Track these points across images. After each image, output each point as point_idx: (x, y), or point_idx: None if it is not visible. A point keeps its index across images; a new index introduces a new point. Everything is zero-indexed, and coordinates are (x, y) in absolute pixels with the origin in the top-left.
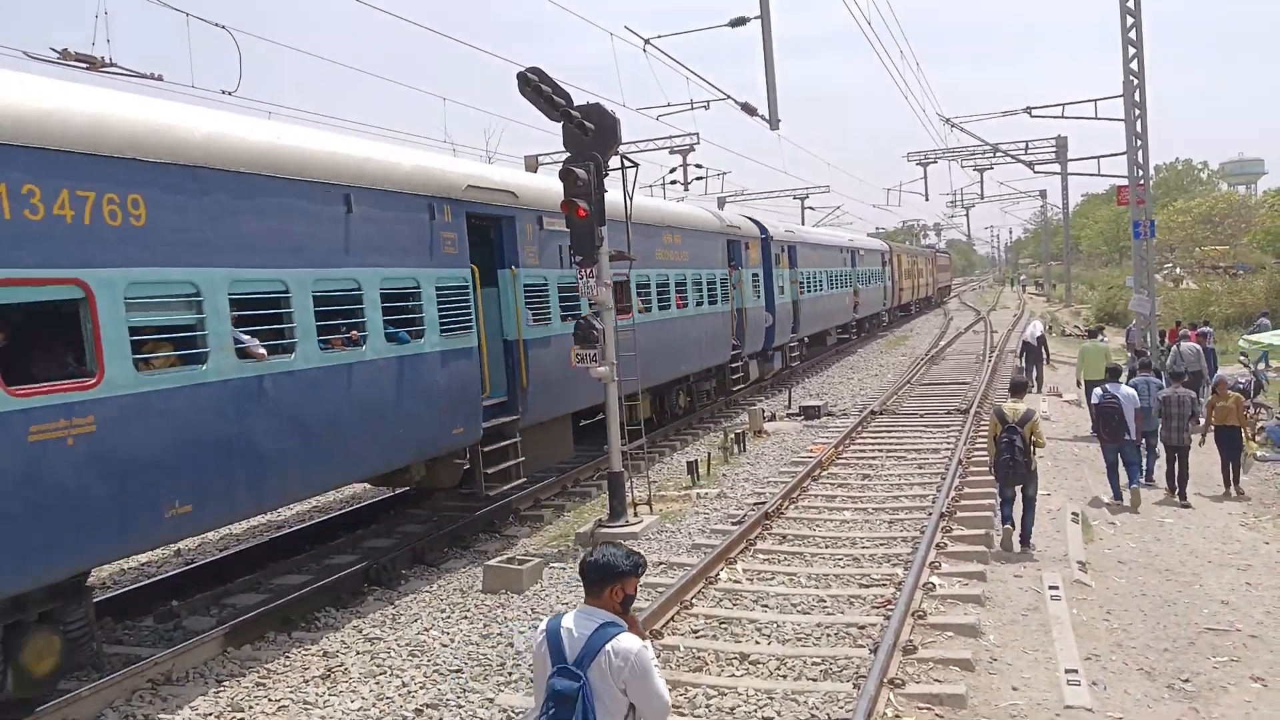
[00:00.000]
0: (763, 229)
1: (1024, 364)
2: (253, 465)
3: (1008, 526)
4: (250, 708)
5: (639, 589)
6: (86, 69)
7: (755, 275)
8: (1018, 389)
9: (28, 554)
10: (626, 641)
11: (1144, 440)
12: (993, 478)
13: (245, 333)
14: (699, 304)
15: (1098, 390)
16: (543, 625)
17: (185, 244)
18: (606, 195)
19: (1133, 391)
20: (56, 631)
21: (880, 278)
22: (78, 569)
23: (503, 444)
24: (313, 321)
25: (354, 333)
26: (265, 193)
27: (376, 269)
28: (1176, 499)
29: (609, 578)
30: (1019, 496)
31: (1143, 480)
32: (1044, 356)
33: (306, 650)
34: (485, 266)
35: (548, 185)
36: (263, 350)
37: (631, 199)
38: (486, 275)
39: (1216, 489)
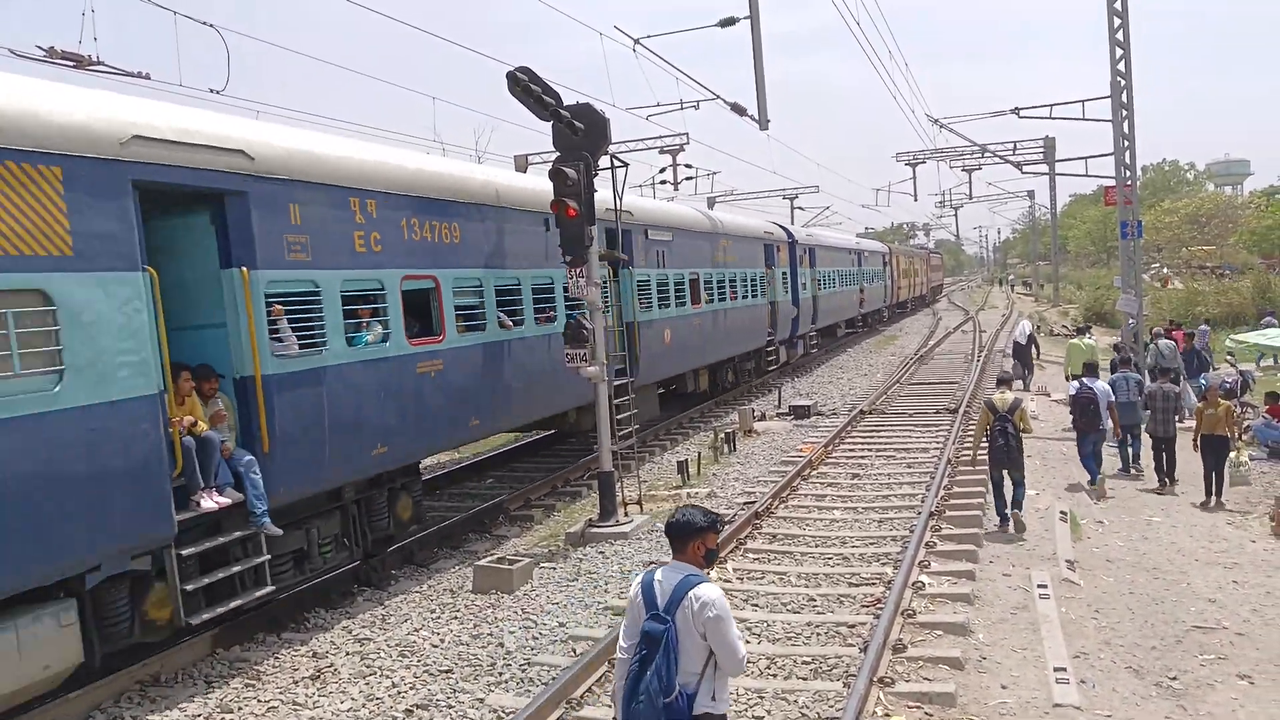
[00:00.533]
0: (789, 234)
1: (1017, 362)
2: (507, 395)
3: (1015, 511)
4: (239, 709)
5: (719, 543)
6: (73, 67)
7: (784, 274)
8: (1005, 382)
9: (414, 441)
10: (707, 589)
11: (1128, 433)
12: (970, 466)
13: (501, 312)
14: (744, 298)
15: (1074, 384)
16: (638, 579)
17: (478, 254)
18: (634, 200)
19: (1107, 386)
20: (411, 494)
21: (882, 277)
22: (429, 453)
23: (623, 399)
24: (531, 304)
25: (550, 312)
26: (512, 220)
27: (662, 271)
28: (1167, 484)
29: (689, 534)
30: (1006, 480)
31: (1127, 469)
32: (1034, 355)
33: (296, 651)
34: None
35: (655, 207)
36: (510, 322)
37: (621, 198)
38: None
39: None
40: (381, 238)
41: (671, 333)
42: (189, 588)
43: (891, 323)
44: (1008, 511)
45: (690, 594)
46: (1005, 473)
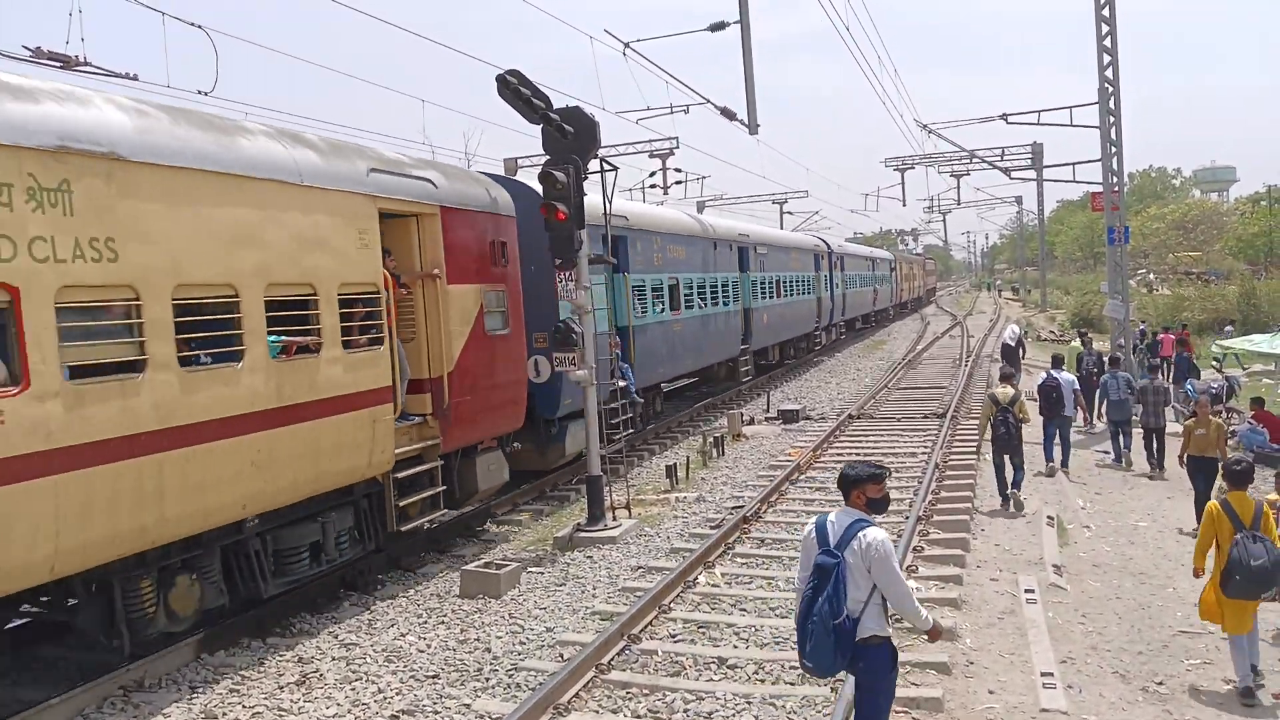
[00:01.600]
0: (828, 245)
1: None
2: (701, 346)
3: (1014, 491)
4: (224, 714)
5: (886, 493)
6: (60, 68)
7: (825, 276)
8: (1007, 378)
9: (671, 367)
10: (873, 532)
11: (1119, 427)
12: (975, 452)
13: (698, 297)
14: (801, 295)
15: (1043, 373)
16: (812, 521)
17: (690, 266)
18: (751, 226)
19: (1072, 377)
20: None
21: (889, 280)
22: (672, 375)
23: (745, 359)
24: (709, 293)
25: (723, 298)
26: (700, 244)
27: (727, 273)
28: (1157, 471)
29: (851, 484)
30: (1008, 464)
31: (1119, 459)
32: (1020, 357)
33: (281, 656)
34: (743, 265)
35: (764, 231)
36: (704, 304)
37: (611, 202)
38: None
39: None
40: (662, 257)
41: (767, 316)
42: (614, 421)
43: (880, 327)
44: (1009, 492)
45: (859, 534)
46: (1006, 458)
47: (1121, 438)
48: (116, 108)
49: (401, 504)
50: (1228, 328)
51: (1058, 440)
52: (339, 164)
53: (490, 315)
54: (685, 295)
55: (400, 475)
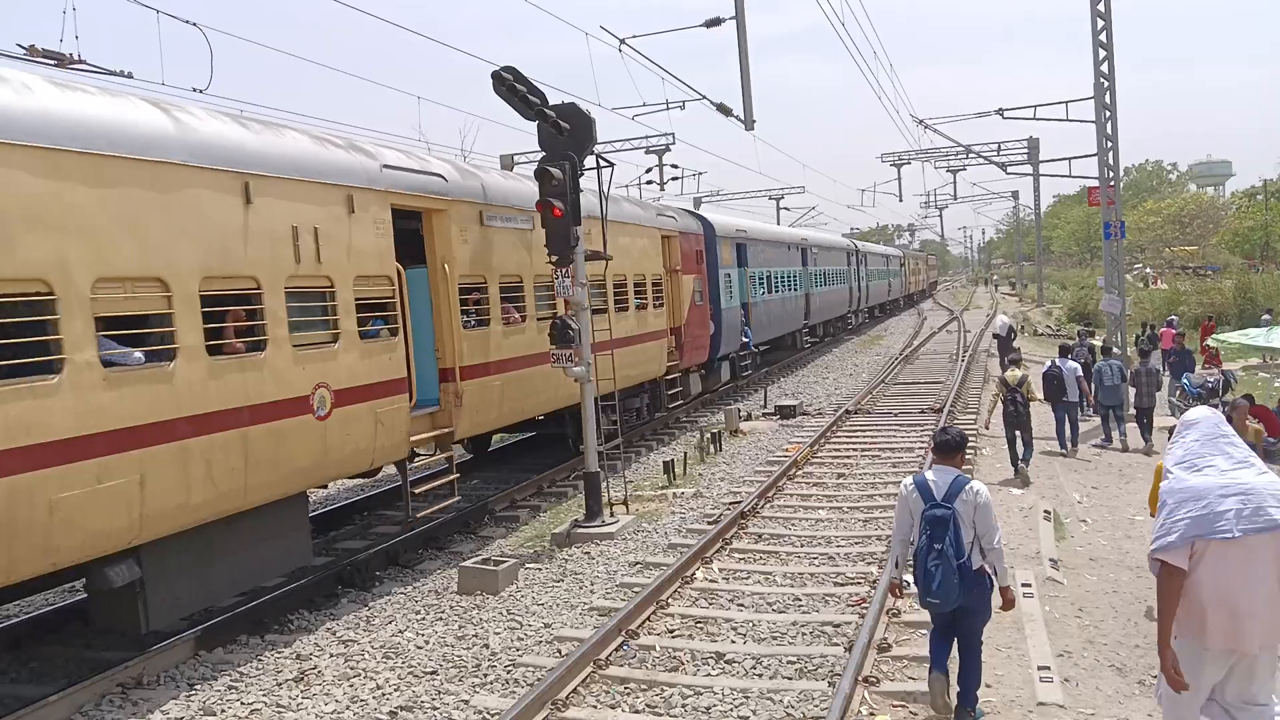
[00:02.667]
0: (855, 245)
1: (999, 353)
2: (781, 322)
3: (1023, 465)
4: (222, 710)
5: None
6: (55, 66)
7: (854, 271)
8: (1015, 362)
9: (763, 335)
10: (978, 484)
11: (1110, 410)
12: (984, 429)
13: (783, 285)
14: (839, 284)
15: (1048, 361)
16: (909, 480)
17: (777, 263)
18: (811, 233)
19: (1075, 365)
20: (742, 362)
21: (899, 274)
22: (765, 338)
23: (806, 331)
24: (788, 282)
25: (793, 287)
26: (785, 247)
27: (795, 267)
28: (1151, 445)
29: (955, 448)
30: (1018, 440)
31: (1109, 440)
32: (1013, 345)
33: (279, 653)
34: (804, 262)
35: (817, 235)
36: (785, 289)
37: (607, 198)
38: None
39: None
40: (762, 257)
41: (819, 301)
42: (744, 364)
43: (878, 322)
44: (1019, 465)
45: (966, 487)
46: (1017, 433)
47: (1113, 420)
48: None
49: (670, 393)
50: (1265, 315)
51: (1068, 424)
52: (650, 213)
53: (696, 294)
54: (775, 283)
55: (668, 378)
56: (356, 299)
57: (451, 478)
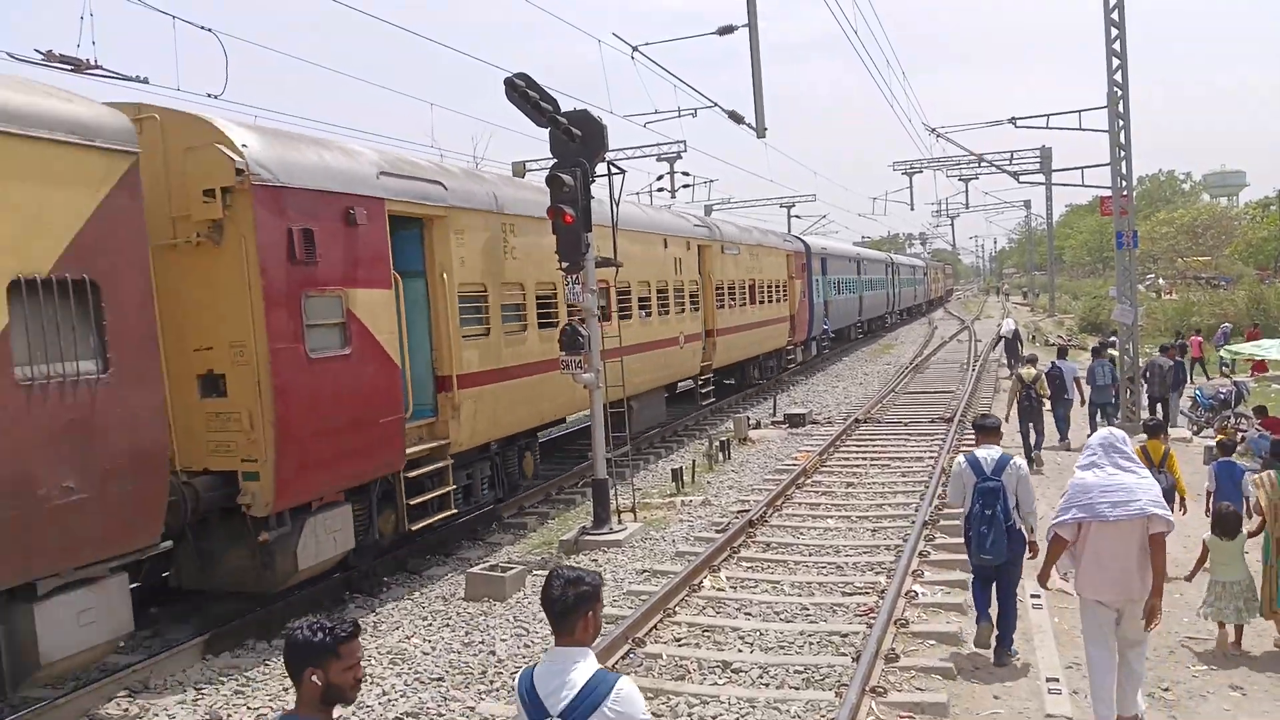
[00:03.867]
0: (890, 257)
1: (1005, 354)
2: (845, 317)
3: (1037, 452)
4: (229, 715)
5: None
6: (71, 71)
7: (890, 279)
8: (1030, 361)
9: (838, 325)
10: (1019, 459)
11: (1100, 409)
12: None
13: (846, 289)
14: (880, 289)
15: (1049, 362)
16: (962, 458)
17: (841, 271)
18: (837, 242)
19: (1075, 365)
20: (818, 347)
21: (923, 281)
22: (840, 325)
23: (859, 326)
24: (848, 286)
25: (870, 289)
26: (845, 259)
27: (850, 275)
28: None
29: (994, 431)
30: (1031, 432)
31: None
32: (1020, 347)
33: None
34: (858, 272)
35: (864, 252)
36: (847, 292)
37: (618, 205)
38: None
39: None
40: (831, 266)
41: (867, 302)
42: (824, 345)
43: (889, 331)
44: (1032, 454)
45: (1011, 462)
46: (1030, 425)
47: (1102, 418)
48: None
49: (787, 358)
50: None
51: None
52: (779, 239)
53: (802, 293)
54: (842, 288)
55: (787, 348)
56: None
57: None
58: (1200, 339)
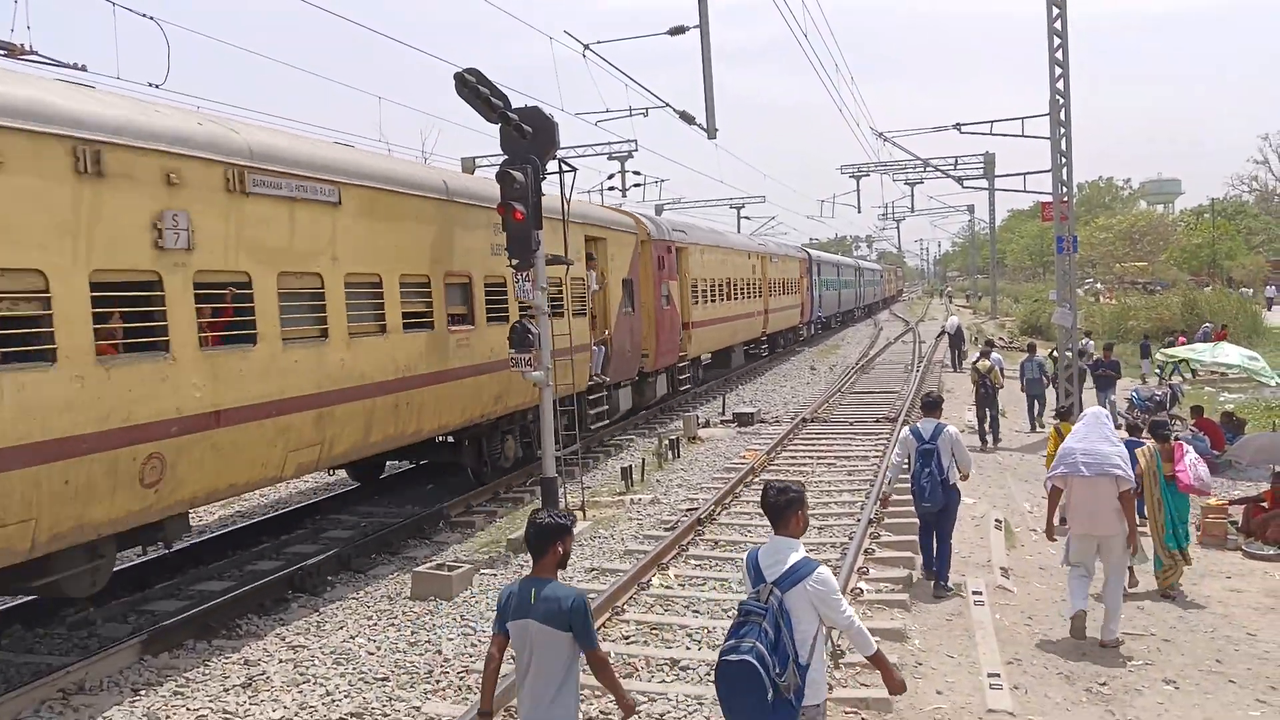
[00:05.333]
0: (859, 263)
1: (950, 347)
2: (827, 309)
3: (990, 433)
4: (168, 717)
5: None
6: (4, 56)
7: (858, 280)
8: (985, 354)
9: (826, 311)
10: (951, 428)
11: (1034, 399)
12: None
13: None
14: (849, 288)
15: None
16: (907, 429)
17: (832, 274)
18: (829, 254)
19: (1040, 359)
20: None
21: (879, 283)
22: (829, 315)
23: (853, 312)
24: (828, 285)
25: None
26: (835, 265)
27: (840, 277)
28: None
29: (936, 405)
30: (988, 416)
31: (1033, 427)
32: (963, 341)
33: (227, 658)
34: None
35: (862, 263)
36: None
37: (569, 201)
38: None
39: None
40: (823, 270)
41: (843, 296)
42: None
43: (834, 332)
44: (987, 438)
45: (945, 430)
46: (986, 410)
47: (1037, 407)
48: None
49: (800, 337)
50: (1206, 326)
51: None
52: (796, 250)
53: (807, 288)
54: (826, 285)
55: (798, 328)
56: None
57: None
58: (1185, 339)
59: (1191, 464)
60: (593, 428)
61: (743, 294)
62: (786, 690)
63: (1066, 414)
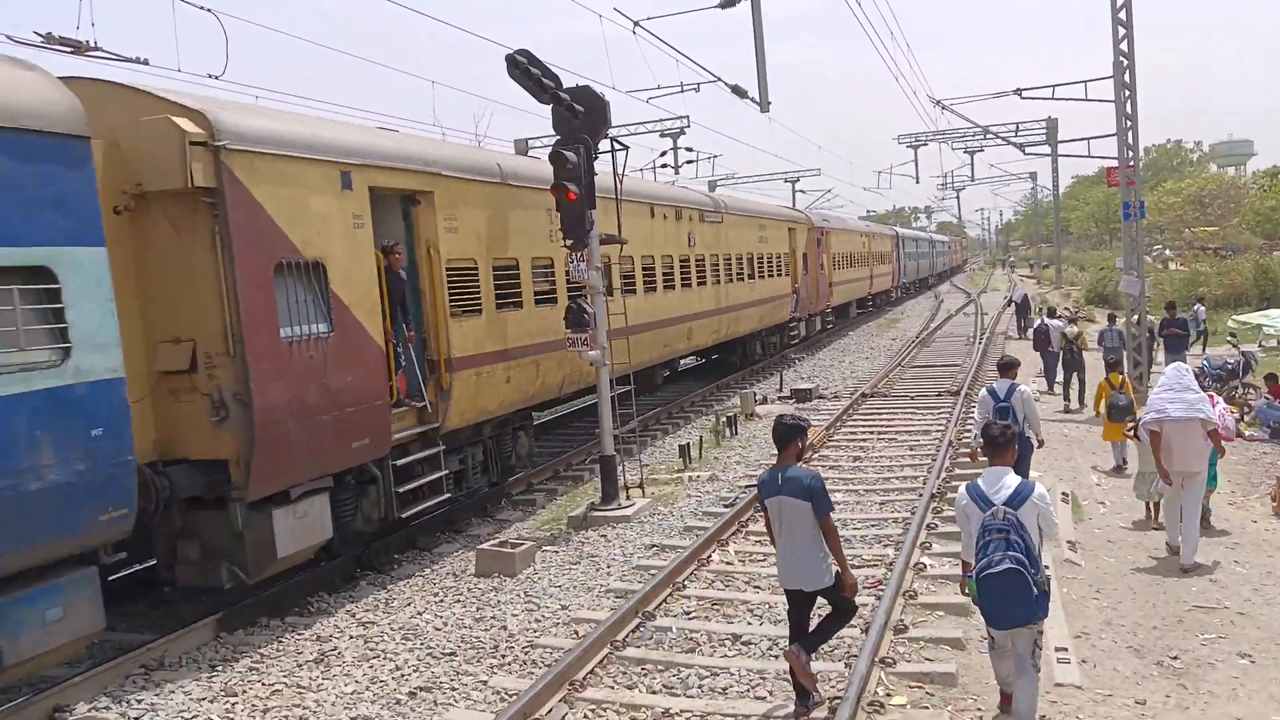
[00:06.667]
0: (932, 236)
1: (1016, 316)
2: (910, 276)
3: (1077, 392)
4: (244, 691)
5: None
6: (71, 53)
7: (930, 250)
8: (1073, 320)
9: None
10: (1025, 387)
11: (1108, 365)
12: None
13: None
14: (925, 258)
15: (1038, 320)
16: (984, 390)
17: (911, 245)
18: (912, 230)
19: (1059, 321)
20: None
21: (948, 253)
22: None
23: (930, 280)
24: (909, 255)
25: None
26: (914, 239)
27: (917, 248)
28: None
29: (1011, 366)
30: (1074, 379)
31: (1050, 389)
32: (1028, 310)
33: (300, 635)
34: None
35: (931, 234)
36: (914, 260)
37: (622, 180)
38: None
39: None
40: (908, 242)
41: (923, 265)
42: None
43: (895, 305)
44: (1069, 400)
45: (1018, 390)
46: (1074, 374)
47: (1052, 373)
48: None
49: (892, 298)
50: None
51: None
52: (887, 228)
53: (896, 259)
54: (909, 256)
55: (889, 290)
56: None
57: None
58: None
59: (1221, 414)
60: (788, 348)
61: (857, 263)
62: (1043, 585)
63: (1115, 365)
